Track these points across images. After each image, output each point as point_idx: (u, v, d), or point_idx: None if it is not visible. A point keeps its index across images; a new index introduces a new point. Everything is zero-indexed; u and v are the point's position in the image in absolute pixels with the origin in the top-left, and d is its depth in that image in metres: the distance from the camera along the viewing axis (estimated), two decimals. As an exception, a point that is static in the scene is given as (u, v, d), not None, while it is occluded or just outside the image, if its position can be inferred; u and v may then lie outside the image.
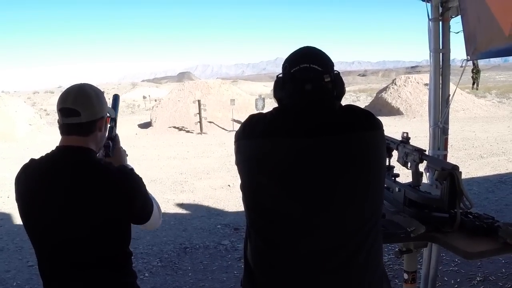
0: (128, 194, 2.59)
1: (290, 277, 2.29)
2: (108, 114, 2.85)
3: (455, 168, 3.10)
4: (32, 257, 4.19)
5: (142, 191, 2.72)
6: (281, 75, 2.41)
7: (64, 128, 2.63)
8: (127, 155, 3.21)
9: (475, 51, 4.50)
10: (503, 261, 6.54)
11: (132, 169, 2.77)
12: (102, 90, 2.85)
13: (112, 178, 2.57)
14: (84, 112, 2.60)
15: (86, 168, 2.56)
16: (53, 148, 2.63)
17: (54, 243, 2.53)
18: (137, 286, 2.78)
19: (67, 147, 2.61)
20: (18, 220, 2.14)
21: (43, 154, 2.63)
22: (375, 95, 39.48)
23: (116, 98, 3.31)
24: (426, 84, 30.74)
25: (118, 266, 2.65)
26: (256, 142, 2.28)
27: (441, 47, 4.90)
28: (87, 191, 2.48)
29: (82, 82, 2.76)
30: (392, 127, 20.55)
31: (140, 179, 2.73)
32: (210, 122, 29.09)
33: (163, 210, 9.66)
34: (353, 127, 2.23)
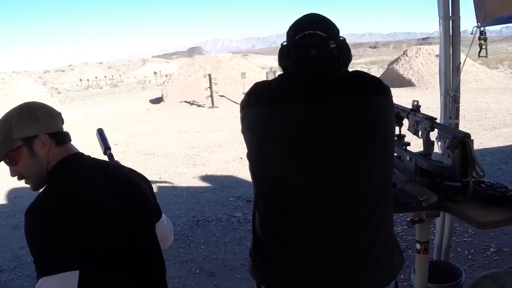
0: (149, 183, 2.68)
1: (298, 247, 2.27)
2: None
3: (466, 136, 3.05)
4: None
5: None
6: (285, 43, 2.39)
7: (66, 135, 2.47)
8: None
9: (485, 17, 4.45)
10: (516, 231, 6.50)
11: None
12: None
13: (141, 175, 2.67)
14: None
15: (128, 169, 2.63)
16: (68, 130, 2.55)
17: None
18: None
19: (79, 153, 2.48)
20: (30, 198, 2.13)
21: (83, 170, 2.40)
22: (386, 66, 39.32)
23: (101, 132, 3.18)
24: (437, 55, 30.44)
25: None
26: (262, 109, 2.26)
27: (451, 14, 4.84)
28: (140, 186, 2.56)
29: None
30: (404, 99, 20.37)
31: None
32: (221, 96, 29.10)
33: (175, 184, 9.69)
34: (361, 92, 2.20)
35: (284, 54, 2.36)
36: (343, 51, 2.31)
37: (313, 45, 2.26)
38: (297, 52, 2.29)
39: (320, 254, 2.24)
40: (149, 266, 2.48)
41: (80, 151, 2.48)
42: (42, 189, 2.30)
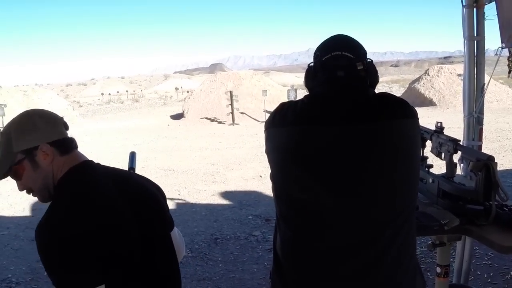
0: (163, 193, 2.61)
1: (319, 270, 2.23)
2: None
3: (490, 158, 3.01)
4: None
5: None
6: (312, 64, 2.37)
7: (71, 143, 2.36)
8: None
9: (510, 38, 4.41)
10: (537, 256, 6.40)
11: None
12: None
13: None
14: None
15: (141, 177, 2.57)
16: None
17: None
18: None
19: (88, 161, 2.38)
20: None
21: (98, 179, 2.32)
22: (407, 85, 39.32)
23: (133, 155, 3.14)
24: (459, 75, 30.51)
25: None
26: (287, 130, 2.23)
27: (475, 35, 4.81)
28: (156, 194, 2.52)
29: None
30: (425, 118, 20.38)
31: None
32: (242, 113, 29.16)
33: (194, 201, 9.66)
34: (387, 115, 2.17)
35: (311, 75, 2.34)
36: (370, 72, 2.29)
37: (340, 66, 2.24)
38: (324, 73, 2.27)
39: (342, 279, 2.21)
40: (168, 276, 2.42)
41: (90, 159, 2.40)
42: (50, 203, 2.19)
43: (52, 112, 2.39)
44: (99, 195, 2.18)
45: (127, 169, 2.86)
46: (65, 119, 2.42)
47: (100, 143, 16.54)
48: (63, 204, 2.12)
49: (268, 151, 2.35)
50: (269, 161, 2.35)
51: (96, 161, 2.40)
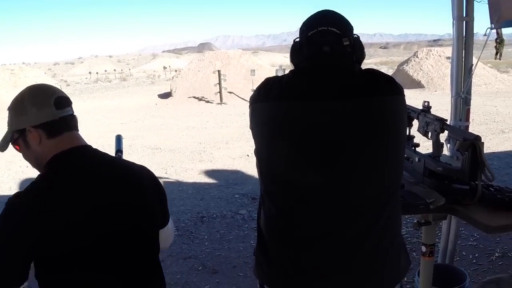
0: (159, 188, 2.54)
1: (303, 247, 2.25)
2: None
3: (477, 138, 3.02)
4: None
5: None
6: (298, 39, 2.35)
7: (64, 122, 2.31)
8: None
9: (499, 19, 4.40)
10: (523, 237, 6.45)
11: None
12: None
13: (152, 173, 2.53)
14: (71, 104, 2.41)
15: (138, 168, 2.48)
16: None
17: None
18: None
19: (86, 146, 2.36)
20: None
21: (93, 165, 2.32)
22: (396, 67, 39.30)
23: (119, 138, 3.06)
24: (448, 58, 30.50)
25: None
26: (272, 104, 2.22)
27: (464, 15, 4.79)
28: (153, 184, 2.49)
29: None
30: (413, 100, 20.26)
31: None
32: (230, 92, 29.08)
33: (181, 180, 9.68)
34: (373, 90, 2.17)
35: (297, 50, 2.33)
36: (357, 48, 2.27)
37: (326, 42, 2.22)
38: (309, 48, 2.26)
39: (326, 255, 2.22)
40: (137, 269, 2.36)
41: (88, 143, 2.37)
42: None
43: (47, 90, 2.36)
44: (67, 192, 2.14)
45: (114, 152, 2.87)
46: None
47: (88, 122, 16.47)
48: (30, 194, 2.12)
49: (253, 126, 2.34)
50: (254, 136, 2.34)
51: (82, 139, 2.37)
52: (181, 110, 24.80)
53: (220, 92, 28.22)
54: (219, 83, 28.31)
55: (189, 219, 7.91)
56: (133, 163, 2.49)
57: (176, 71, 47.73)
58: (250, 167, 11.38)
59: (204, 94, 29.50)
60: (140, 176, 2.42)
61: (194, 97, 29.57)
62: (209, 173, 11.26)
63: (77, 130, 2.38)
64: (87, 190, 2.18)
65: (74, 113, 2.39)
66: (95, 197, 2.18)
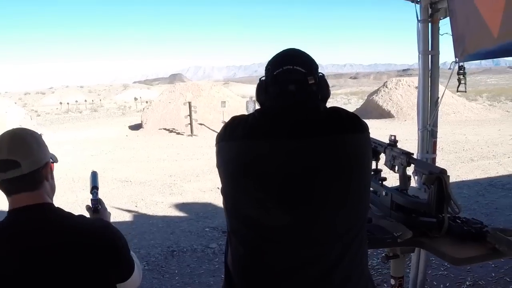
0: (119, 255, 2.32)
1: (272, 284, 2.23)
2: (51, 160, 2.48)
3: (443, 172, 3.06)
4: None
5: (124, 245, 2.37)
6: (264, 78, 2.36)
7: (6, 186, 2.25)
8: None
9: (463, 52, 4.48)
10: (492, 265, 6.50)
11: (111, 224, 2.45)
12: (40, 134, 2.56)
13: (102, 240, 2.26)
14: (24, 161, 2.24)
15: (68, 235, 2.20)
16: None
17: None
18: None
19: (25, 208, 2.24)
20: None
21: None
22: (366, 97, 39.72)
23: (94, 175, 3.03)
24: (417, 87, 30.87)
25: None
26: (237, 144, 2.23)
27: (430, 49, 4.87)
28: (78, 260, 2.18)
29: (15, 127, 2.45)
30: (383, 130, 20.64)
31: (119, 233, 2.38)
32: (200, 124, 29.12)
33: (151, 213, 9.59)
34: (338, 129, 2.18)
35: (262, 89, 2.34)
36: (322, 87, 2.28)
37: (291, 81, 2.23)
38: (275, 87, 2.27)
39: None
40: None
41: (47, 201, 2.31)
42: None
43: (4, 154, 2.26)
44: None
45: (90, 189, 2.87)
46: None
47: (58, 153, 16.37)
48: None
49: (219, 165, 2.34)
50: (220, 175, 2.34)
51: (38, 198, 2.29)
52: (152, 142, 24.76)
53: (190, 123, 28.24)
54: (190, 115, 28.32)
55: (159, 253, 7.83)
56: (92, 224, 2.39)
57: (147, 102, 47.75)
58: (220, 200, 11.12)
59: (175, 125, 29.51)
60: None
61: (165, 129, 29.56)
62: (180, 206, 11.18)
63: (27, 191, 2.26)
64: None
65: (22, 173, 2.23)
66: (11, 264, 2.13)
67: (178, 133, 28.68)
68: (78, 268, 2.16)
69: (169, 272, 7.08)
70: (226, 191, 2.31)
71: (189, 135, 27.57)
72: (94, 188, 2.89)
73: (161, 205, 11.28)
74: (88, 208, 2.82)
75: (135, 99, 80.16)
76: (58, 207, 2.34)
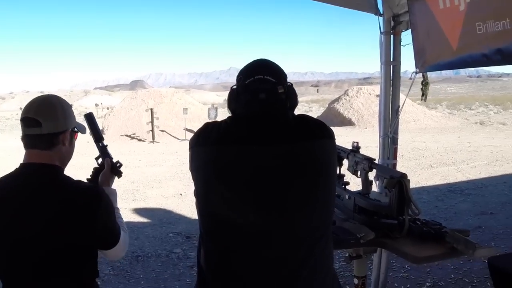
0: (94, 217, 2.47)
1: (241, 283, 2.34)
2: (76, 129, 2.74)
3: (403, 176, 3.19)
4: None
5: (110, 214, 2.61)
6: (235, 87, 2.47)
7: (26, 140, 2.55)
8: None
9: (424, 64, 4.65)
10: (452, 267, 6.71)
11: (102, 190, 2.65)
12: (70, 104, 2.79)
13: (78, 200, 2.44)
14: (45, 123, 2.51)
15: (50, 190, 2.46)
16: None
17: (9, 267, 2.48)
18: None
19: (30, 164, 2.53)
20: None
21: (7, 174, 2.54)
22: (327, 105, 39.86)
23: (89, 116, 3.24)
24: (378, 95, 31.10)
25: None
26: (211, 149, 2.32)
27: (392, 60, 5.03)
28: (49, 213, 2.39)
29: (50, 93, 2.71)
30: (344, 137, 20.80)
31: (109, 200, 2.62)
32: (162, 130, 28.98)
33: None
34: (306, 136, 2.31)
35: (234, 97, 2.44)
36: (290, 96, 2.41)
37: (262, 89, 2.34)
38: (246, 95, 2.37)
39: None
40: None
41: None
42: None
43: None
44: None
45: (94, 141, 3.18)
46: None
47: (16, 159, 16.18)
48: None
49: (192, 169, 2.42)
50: (193, 179, 2.42)
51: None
52: (114, 148, 24.23)
53: (152, 130, 28.09)
54: (152, 122, 28.18)
55: (124, 259, 7.78)
56: (80, 185, 2.58)
57: (108, 108, 47.24)
58: (183, 206, 11.41)
59: (137, 132, 29.31)
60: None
61: (127, 135, 29.34)
62: (143, 212, 11.17)
63: (41, 149, 2.53)
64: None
65: (41, 133, 2.52)
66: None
67: (140, 140, 28.49)
68: (59, 223, 2.40)
69: (134, 277, 7.09)
70: (199, 193, 2.40)
71: (150, 142, 27.42)
72: (99, 141, 3.24)
73: (125, 211, 11.18)
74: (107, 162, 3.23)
75: (96, 105, 79.32)
76: (64, 174, 2.62)
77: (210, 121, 2.50)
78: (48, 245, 2.40)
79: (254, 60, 2.52)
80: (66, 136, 2.63)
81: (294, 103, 2.45)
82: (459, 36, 4.04)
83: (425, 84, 5.14)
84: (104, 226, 2.56)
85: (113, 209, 2.69)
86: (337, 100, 36.88)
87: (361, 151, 3.85)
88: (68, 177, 2.57)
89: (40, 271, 2.44)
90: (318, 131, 2.38)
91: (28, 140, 2.54)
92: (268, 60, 2.51)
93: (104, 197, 2.56)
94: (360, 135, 25.07)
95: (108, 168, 3.20)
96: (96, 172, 3.21)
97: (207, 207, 2.38)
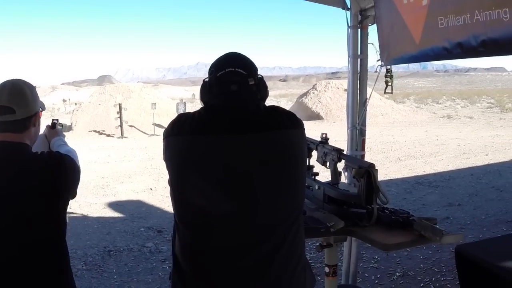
0: (65, 181, 2.74)
1: (216, 270, 2.41)
2: (40, 109, 2.88)
3: (371, 166, 3.27)
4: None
5: (76, 173, 2.85)
6: (207, 79, 2.54)
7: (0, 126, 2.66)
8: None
9: (388, 57, 4.75)
10: (421, 257, 6.85)
11: (64, 155, 2.81)
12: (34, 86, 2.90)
13: (49, 162, 2.68)
14: (19, 109, 2.65)
15: (23, 162, 2.64)
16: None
17: None
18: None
19: (2, 142, 2.65)
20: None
21: None
22: (295, 100, 39.93)
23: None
24: (345, 90, 31.09)
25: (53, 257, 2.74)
26: (184, 138, 2.41)
27: (359, 53, 5.12)
28: (24, 183, 2.56)
29: (15, 78, 2.79)
30: (312, 131, 20.70)
31: (72, 160, 2.84)
32: (131, 126, 28.80)
33: (86, 214, 9.52)
34: (276, 125, 2.40)
35: (206, 90, 2.52)
36: (261, 87, 2.51)
37: (233, 81, 2.44)
38: (218, 87, 2.46)
39: (236, 277, 2.39)
40: None
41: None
42: None
43: None
44: None
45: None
46: None
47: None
48: None
49: (166, 158, 2.49)
50: (167, 168, 2.49)
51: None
52: (82, 144, 24.29)
53: (121, 125, 27.87)
54: (120, 117, 27.96)
55: (96, 253, 7.84)
56: (44, 155, 2.77)
57: (76, 104, 46.88)
58: (154, 200, 11.43)
59: (105, 127, 29.10)
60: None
61: (95, 131, 29.13)
62: (114, 207, 11.16)
63: (14, 132, 2.68)
64: None
65: (16, 119, 2.66)
66: None
67: (109, 135, 28.29)
68: (34, 186, 2.60)
69: (107, 271, 7.11)
70: (173, 183, 2.47)
71: (119, 137, 27.19)
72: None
73: (95, 206, 11.20)
74: (47, 126, 3.53)
75: (64, 101, 78.53)
76: (32, 151, 2.78)
77: (184, 112, 2.58)
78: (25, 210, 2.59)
79: (226, 54, 2.60)
80: (37, 118, 2.82)
81: (265, 94, 2.55)
82: (422, 30, 4.15)
83: (390, 76, 5.26)
84: (73, 184, 2.85)
85: (74, 163, 2.87)
86: (305, 94, 36.95)
87: (331, 144, 3.94)
88: (36, 152, 2.77)
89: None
90: (288, 121, 2.46)
91: (1, 126, 2.66)
92: (239, 53, 2.60)
93: (68, 159, 2.80)
94: (328, 128, 25.13)
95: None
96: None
97: (181, 197, 2.46)
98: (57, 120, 3.74)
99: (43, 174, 2.62)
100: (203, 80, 2.58)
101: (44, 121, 3.20)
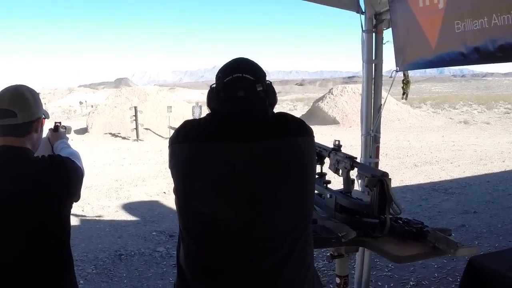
0: (67, 184, 2.74)
1: (222, 280, 2.34)
2: (43, 116, 2.88)
3: (384, 174, 3.19)
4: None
5: (77, 176, 2.87)
6: (214, 85, 2.49)
7: (0, 129, 2.66)
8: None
9: (403, 62, 4.67)
10: (435, 265, 6.73)
11: (66, 158, 2.82)
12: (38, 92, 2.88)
13: (53, 164, 2.69)
14: (20, 113, 2.64)
15: (23, 166, 2.63)
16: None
17: None
18: None
19: (4, 146, 2.62)
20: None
21: None
22: (312, 104, 39.86)
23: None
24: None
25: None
26: (189, 145, 2.35)
27: (374, 58, 5.03)
28: (25, 187, 2.56)
29: (18, 84, 2.79)
30: (328, 136, 20.86)
31: (74, 163, 2.86)
32: (146, 129, 28.86)
33: (98, 217, 9.53)
34: (285, 132, 2.33)
35: (213, 96, 2.47)
36: (269, 93, 2.45)
37: (241, 87, 2.39)
38: (225, 93, 2.41)
39: (244, 287, 2.30)
40: None
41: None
42: None
43: None
44: None
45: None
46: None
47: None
48: None
49: (172, 166, 2.44)
50: (172, 176, 2.44)
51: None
52: (98, 146, 24.43)
53: (136, 128, 27.92)
54: (136, 120, 28.02)
55: (107, 257, 7.81)
56: (44, 160, 2.75)
57: (92, 106, 47.07)
58: (167, 204, 11.39)
59: (121, 130, 29.15)
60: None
61: (111, 133, 29.21)
62: (127, 210, 11.15)
63: (15, 136, 2.68)
64: None
65: (17, 123, 2.67)
66: None
67: (124, 138, 28.32)
68: (35, 191, 2.59)
69: (117, 275, 7.07)
70: (178, 190, 2.42)
71: (134, 140, 27.26)
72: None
73: (108, 209, 11.20)
74: (50, 129, 3.53)
75: (81, 103, 78.93)
76: (33, 155, 2.77)
77: (190, 119, 2.52)
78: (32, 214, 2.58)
79: (233, 59, 2.55)
80: (39, 124, 2.83)
81: (273, 100, 2.49)
82: (438, 34, 4.07)
83: (406, 82, 5.18)
84: (77, 187, 2.86)
85: (77, 167, 2.90)
86: (321, 98, 36.85)
87: (345, 150, 3.86)
88: (37, 157, 2.77)
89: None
90: (297, 128, 2.40)
91: (3, 129, 2.66)
92: (247, 59, 2.54)
93: (70, 162, 2.82)
94: (344, 133, 25.12)
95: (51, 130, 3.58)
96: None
97: (186, 204, 2.41)
98: (60, 122, 3.74)
99: (44, 179, 2.61)
100: (210, 86, 2.53)
101: (47, 125, 3.19)
